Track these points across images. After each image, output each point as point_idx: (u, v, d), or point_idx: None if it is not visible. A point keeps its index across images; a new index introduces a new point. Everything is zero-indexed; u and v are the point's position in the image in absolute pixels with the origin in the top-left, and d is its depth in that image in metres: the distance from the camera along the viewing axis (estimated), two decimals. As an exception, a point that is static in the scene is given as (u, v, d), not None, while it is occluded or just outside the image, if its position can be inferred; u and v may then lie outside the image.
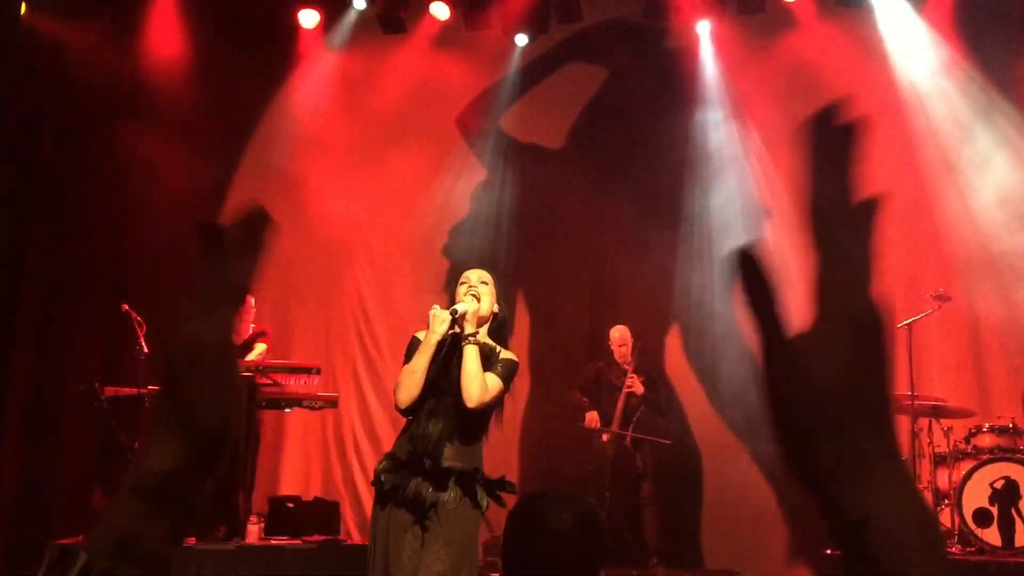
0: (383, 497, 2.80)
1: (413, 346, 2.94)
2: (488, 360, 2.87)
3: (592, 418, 5.78)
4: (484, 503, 2.80)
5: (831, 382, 0.46)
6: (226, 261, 0.57)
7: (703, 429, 6.25)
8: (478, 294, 2.92)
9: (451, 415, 2.82)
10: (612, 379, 5.89)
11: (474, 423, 2.85)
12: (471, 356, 2.81)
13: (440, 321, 2.83)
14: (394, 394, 2.88)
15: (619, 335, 5.97)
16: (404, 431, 2.93)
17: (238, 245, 0.57)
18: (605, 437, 5.66)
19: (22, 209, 6.06)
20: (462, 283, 3.00)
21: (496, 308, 3.00)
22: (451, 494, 2.74)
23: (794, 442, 0.48)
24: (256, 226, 0.60)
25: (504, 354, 2.93)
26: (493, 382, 2.83)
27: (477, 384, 2.78)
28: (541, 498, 1.39)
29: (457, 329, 2.87)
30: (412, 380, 2.81)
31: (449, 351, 2.87)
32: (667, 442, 5.65)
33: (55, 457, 5.83)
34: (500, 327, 3.02)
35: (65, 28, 6.22)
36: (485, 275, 3.02)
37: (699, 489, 6.23)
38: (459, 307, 2.86)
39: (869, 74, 6.36)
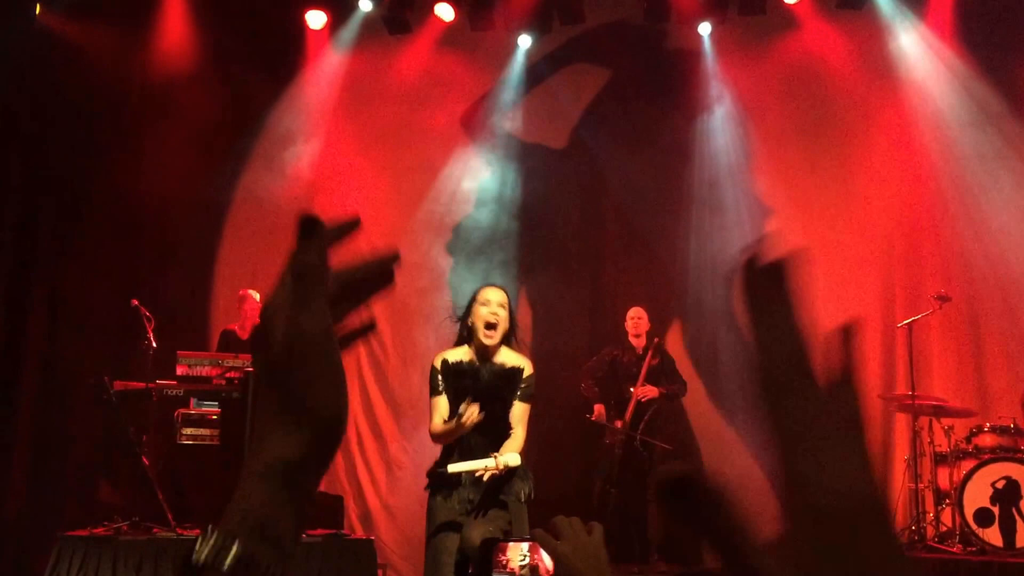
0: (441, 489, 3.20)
1: (435, 377, 3.23)
2: (511, 381, 3.21)
3: (600, 412, 5.75)
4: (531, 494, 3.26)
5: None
6: (320, 254, 0.55)
7: (703, 426, 6.28)
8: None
9: (490, 428, 3.20)
10: (627, 366, 5.77)
11: (510, 432, 3.27)
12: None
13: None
14: (430, 432, 3.24)
15: (635, 317, 5.88)
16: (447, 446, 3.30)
17: (331, 240, 0.57)
18: (619, 424, 5.64)
19: (34, 205, 6.14)
20: (482, 304, 3.22)
21: (508, 324, 3.30)
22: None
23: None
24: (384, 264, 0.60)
25: (525, 369, 3.25)
26: (521, 415, 3.26)
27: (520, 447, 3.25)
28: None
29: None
30: (448, 438, 3.20)
31: (478, 376, 3.25)
32: (669, 447, 5.61)
33: (64, 450, 5.89)
34: (511, 335, 3.34)
35: (78, 29, 6.30)
36: (503, 297, 3.26)
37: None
38: (489, 463, 3.11)
39: (870, 76, 6.39)
